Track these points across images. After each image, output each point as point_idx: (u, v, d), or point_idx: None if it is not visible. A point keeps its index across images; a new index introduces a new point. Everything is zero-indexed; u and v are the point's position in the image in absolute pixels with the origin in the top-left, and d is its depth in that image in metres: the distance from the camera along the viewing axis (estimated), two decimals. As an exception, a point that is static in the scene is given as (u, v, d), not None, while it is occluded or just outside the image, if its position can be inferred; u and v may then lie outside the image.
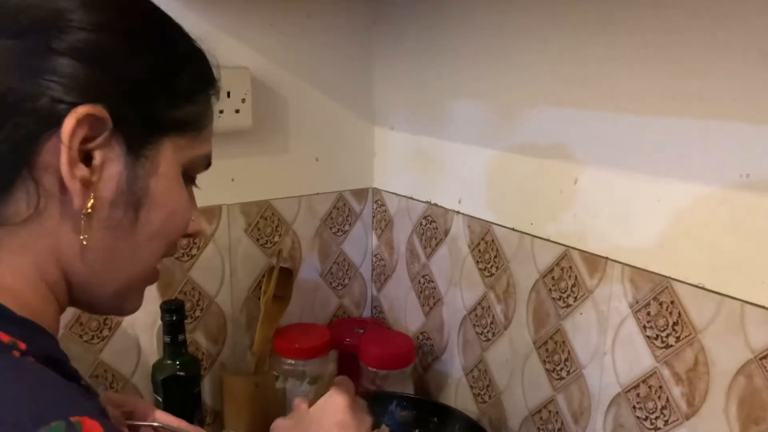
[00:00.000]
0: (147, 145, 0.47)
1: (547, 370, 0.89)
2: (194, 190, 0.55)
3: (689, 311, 0.69)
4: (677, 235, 0.70)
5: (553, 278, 0.86)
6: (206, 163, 0.54)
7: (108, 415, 0.41)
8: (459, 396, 1.06)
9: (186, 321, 1.02)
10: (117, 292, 0.51)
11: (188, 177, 0.53)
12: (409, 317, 1.16)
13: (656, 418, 0.75)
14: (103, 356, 0.96)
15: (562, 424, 0.88)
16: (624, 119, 0.74)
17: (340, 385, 0.69)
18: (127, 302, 0.54)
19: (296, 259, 1.13)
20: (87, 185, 0.45)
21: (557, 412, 0.88)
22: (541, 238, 0.87)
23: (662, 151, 0.70)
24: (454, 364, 1.06)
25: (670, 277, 0.71)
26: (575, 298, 0.83)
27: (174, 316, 0.93)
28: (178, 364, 0.94)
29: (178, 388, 0.94)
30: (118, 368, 0.98)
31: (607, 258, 0.78)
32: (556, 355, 0.87)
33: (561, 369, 0.87)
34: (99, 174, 0.45)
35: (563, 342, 0.86)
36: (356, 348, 1.04)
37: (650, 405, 0.75)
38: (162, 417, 0.72)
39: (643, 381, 0.75)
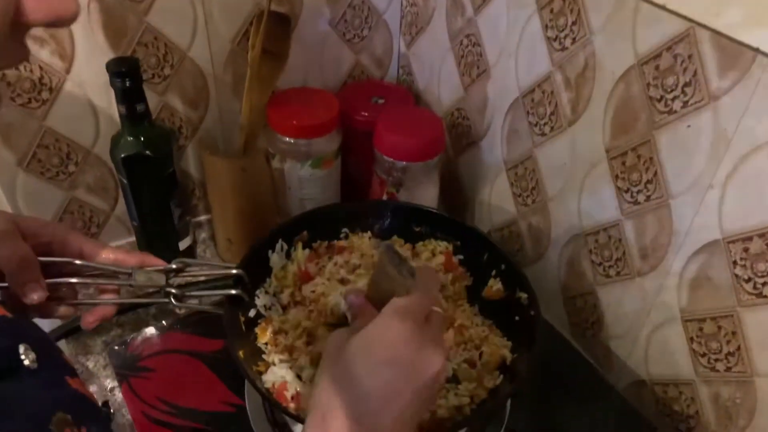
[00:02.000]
0: None
1: (618, 188, 0.66)
2: None
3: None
4: None
5: (657, 68, 0.58)
6: None
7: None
8: (495, 192, 0.86)
9: (153, 80, 0.80)
10: None
11: None
12: (443, 87, 0.91)
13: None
14: (50, 123, 0.76)
15: (623, 254, 0.68)
16: None
17: (417, 289, 0.45)
18: None
19: (295, 1, 0.84)
20: None
21: (620, 240, 0.68)
22: (653, 3, 0.56)
23: None
24: (494, 155, 0.84)
25: None
26: (686, 102, 0.56)
27: (127, 80, 0.69)
28: (142, 140, 0.74)
29: (144, 169, 0.75)
30: (72, 137, 0.79)
31: (757, 49, 0.49)
32: (636, 173, 0.63)
33: (639, 192, 0.64)
34: None
35: (650, 159, 0.61)
36: (371, 126, 0.81)
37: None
38: (89, 250, 0.54)
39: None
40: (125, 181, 0.76)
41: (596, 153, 0.67)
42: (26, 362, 0.37)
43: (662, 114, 0.58)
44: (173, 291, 0.54)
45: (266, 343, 0.59)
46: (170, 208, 0.80)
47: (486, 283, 0.67)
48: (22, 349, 0.37)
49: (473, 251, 0.69)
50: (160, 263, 0.57)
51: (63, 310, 0.55)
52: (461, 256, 0.69)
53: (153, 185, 0.78)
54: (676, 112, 0.57)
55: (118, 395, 0.67)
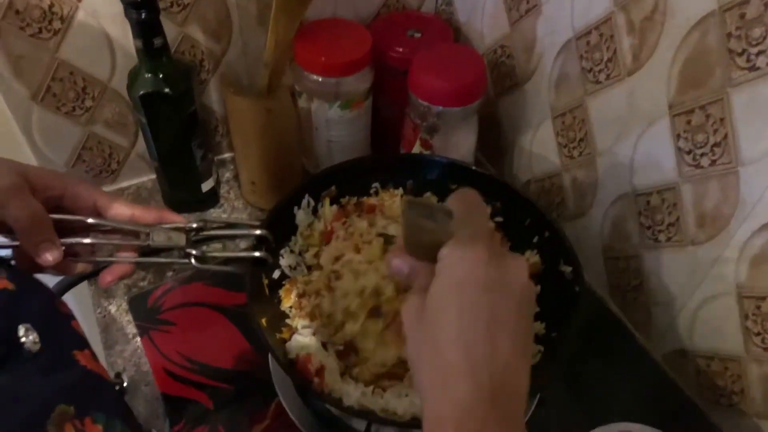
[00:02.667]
0: None
1: (678, 148, 0.60)
2: None
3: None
4: None
5: (743, 16, 0.50)
6: None
7: None
8: (538, 140, 0.80)
9: (171, 9, 0.73)
10: None
11: None
12: (487, 22, 0.82)
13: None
14: (63, 55, 0.71)
15: (677, 220, 0.63)
16: None
17: (467, 219, 0.40)
18: None
19: None
20: None
21: (675, 204, 0.62)
22: (744, -61, 0.48)
23: None
24: (540, 100, 0.77)
25: None
26: (772, 59, 0.49)
27: (143, 12, 0.64)
28: (161, 77, 0.69)
29: (163, 107, 0.71)
30: (87, 70, 0.74)
31: None
32: (702, 134, 0.57)
33: (703, 155, 0.57)
34: None
35: (721, 120, 0.54)
36: (406, 63, 0.75)
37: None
38: (103, 203, 0.50)
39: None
40: (143, 120, 0.72)
41: (657, 108, 0.60)
42: (27, 345, 0.35)
43: (742, 70, 0.51)
44: (194, 252, 0.51)
45: (291, 307, 0.56)
46: (191, 149, 0.76)
47: (522, 252, 0.62)
48: (22, 330, 0.35)
49: (515, 215, 0.63)
50: (179, 219, 0.53)
51: (80, 267, 0.52)
52: (500, 219, 0.64)
53: (173, 125, 0.73)
54: (759, 69, 0.50)
55: (139, 344, 0.66)
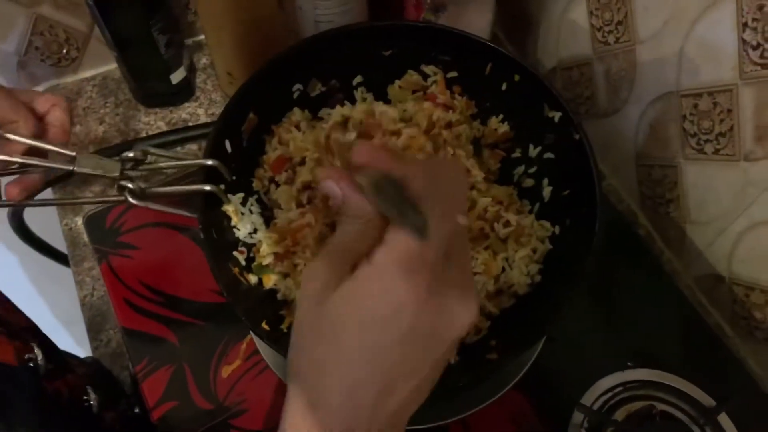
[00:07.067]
0: None
1: (743, 41, 0.46)
2: None
3: None
4: None
5: None
6: None
7: None
8: (567, 19, 0.66)
9: None
10: None
11: None
12: None
13: None
14: None
15: (730, 129, 0.51)
16: None
17: (432, 218, 0.29)
18: None
19: None
20: None
21: (729, 111, 0.50)
22: None
23: None
24: (572, -33, 0.62)
25: None
26: None
27: None
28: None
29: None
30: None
31: None
32: (778, 25, 0.44)
33: (775, 52, 0.45)
34: None
35: (808, 7, 0.41)
36: None
37: None
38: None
39: None
40: (90, 1, 0.60)
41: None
42: None
43: None
44: (129, 186, 0.42)
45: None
46: (152, 34, 0.64)
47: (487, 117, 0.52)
48: None
49: (471, 65, 0.51)
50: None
51: None
52: (455, 74, 0.52)
53: (125, 4, 0.61)
54: None
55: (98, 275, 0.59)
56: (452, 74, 0.52)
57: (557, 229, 0.50)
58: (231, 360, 0.51)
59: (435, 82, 0.51)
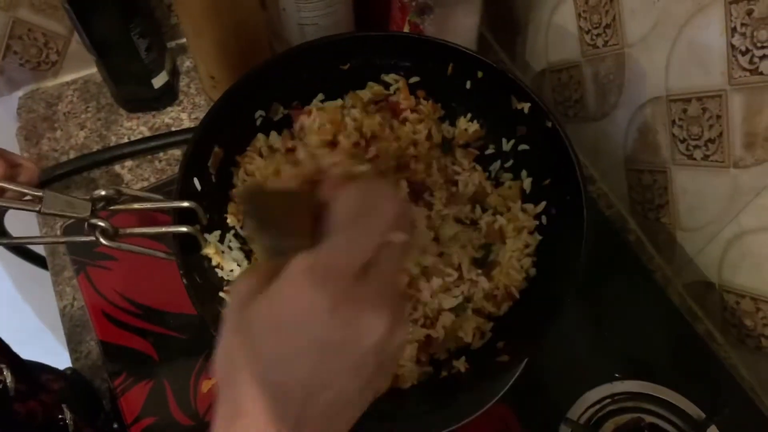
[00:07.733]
0: None
1: (732, 46, 0.45)
2: None
3: None
4: None
5: None
6: None
7: None
8: (556, 21, 0.65)
9: None
10: None
11: None
12: None
13: None
14: None
15: (719, 136, 0.50)
16: None
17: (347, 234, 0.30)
18: None
19: None
20: None
21: (719, 117, 0.49)
22: None
23: None
24: (559, -32, 0.61)
25: None
26: None
27: None
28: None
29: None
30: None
31: None
32: (766, 31, 0.42)
33: (763, 57, 0.43)
34: None
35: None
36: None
37: None
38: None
39: None
40: (65, 5, 0.59)
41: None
42: None
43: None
44: (101, 224, 0.41)
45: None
46: (131, 38, 0.63)
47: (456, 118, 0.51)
48: None
49: (432, 67, 0.51)
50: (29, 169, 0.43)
51: None
52: (417, 78, 0.52)
53: (103, 6, 0.60)
54: None
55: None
56: (414, 79, 0.52)
57: (544, 219, 0.49)
58: (211, 375, 0.50)
59: (398, 89, 0.51)
